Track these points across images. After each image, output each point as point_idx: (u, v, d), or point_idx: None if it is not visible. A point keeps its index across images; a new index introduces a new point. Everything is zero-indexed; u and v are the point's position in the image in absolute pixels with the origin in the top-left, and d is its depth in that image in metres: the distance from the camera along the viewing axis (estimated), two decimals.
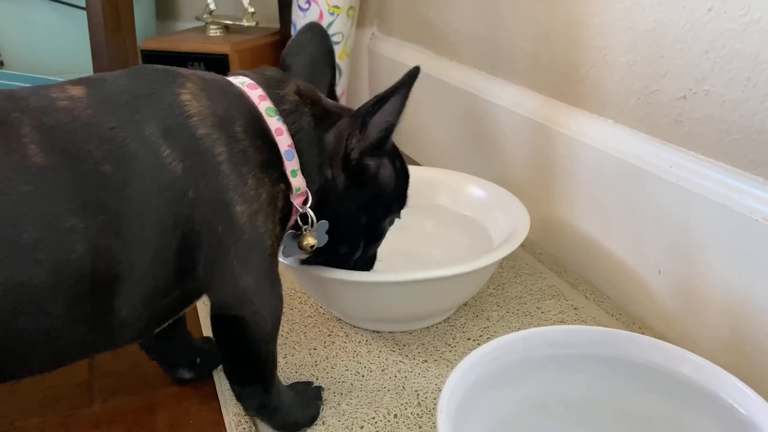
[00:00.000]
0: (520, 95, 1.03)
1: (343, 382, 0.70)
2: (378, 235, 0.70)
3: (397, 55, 1.49)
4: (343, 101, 1.48)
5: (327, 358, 0.74)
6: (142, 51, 1.52)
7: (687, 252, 0.74)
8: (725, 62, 0.68)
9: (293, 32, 1.48)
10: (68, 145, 0.47)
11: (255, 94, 0.58)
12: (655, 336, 0.61)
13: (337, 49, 1.43)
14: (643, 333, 0.61)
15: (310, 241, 0.62)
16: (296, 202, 0.59)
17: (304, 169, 0.59)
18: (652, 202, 0.78)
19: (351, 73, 1.55)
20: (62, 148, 0.47)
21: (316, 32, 0.68)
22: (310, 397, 0.66)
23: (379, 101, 0.58)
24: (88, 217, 0.47)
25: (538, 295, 0.87)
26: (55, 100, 0.49)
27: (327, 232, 0.64)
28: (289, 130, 0.58)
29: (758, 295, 0.66)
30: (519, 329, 0.60)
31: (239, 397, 0.62)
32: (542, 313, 0.83)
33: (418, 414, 0.66)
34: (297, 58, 0.67)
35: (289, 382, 0.68)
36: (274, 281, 0.59)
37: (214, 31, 1.58)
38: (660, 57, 0.76)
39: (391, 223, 0.71)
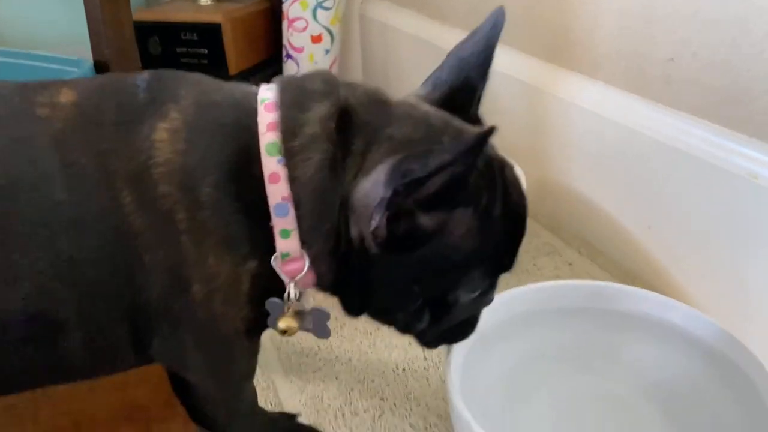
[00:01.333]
0: (514, 58, 1.05)
1: (352, 340, 0.74)
2: (456, 310, 0.50)
3: (389, 20, 1.50)
4: (334, 70, 1.49)
5: (336, 318, 0.78)
6: (134, 22, 1.52)
7: (675, 208, 0.78)
8: (712, 25, 0.70)
9: None
10: (28, 164, 0.43)
11: (266, 120, 0.45)
12: (646, 288, 0.64)
13: (329, 15, 1.43)
14: (635, 286, 0.65)
15: (281, 324, 0.48)
16: (285, 269, 0.46)
17: (304, 230, 0.45)
18: (641, 161, 0.81)
19: (342, 39, 1.56)
20: (19, 167, 0.42)
21: (491, 21, 0.52)
22: None
23: (433, 171, 0.40)
24: (32, 255, 0.42)
25: (533, 253, 0.91)
26: (35, 106, 0.44)
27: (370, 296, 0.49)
28: (290, 175, 0.44)
29: (742, 247, 0.70)
30: (517, 286, 0.64)
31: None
32: (538, 269, 0.87)
33: (424, 368, 0.70)
34: (457, 53, 0.52)
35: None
36: (238, 361, 0.53)
37: (205, 0, 1.58)
38: (650, 21, 0.78)
39: (480, 300, 0.51)
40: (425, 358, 0.71)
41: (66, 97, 0.45)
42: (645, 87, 0.82)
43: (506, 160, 0.49)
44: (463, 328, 0.53)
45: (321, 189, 0.44)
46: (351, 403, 0.67)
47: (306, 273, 0.46)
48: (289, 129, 0.44)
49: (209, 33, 1.46)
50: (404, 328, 0.51)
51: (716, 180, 0.72)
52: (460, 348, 0.56)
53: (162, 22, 1.50)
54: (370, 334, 0.75)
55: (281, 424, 0.64)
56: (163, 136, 0.44)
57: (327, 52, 1.46)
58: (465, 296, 0.49)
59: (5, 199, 0.42)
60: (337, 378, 0.69)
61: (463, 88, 0.50)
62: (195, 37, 1.48)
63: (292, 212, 0.44)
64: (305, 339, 0.75)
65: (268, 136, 0.44)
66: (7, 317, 0.43)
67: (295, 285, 0.46)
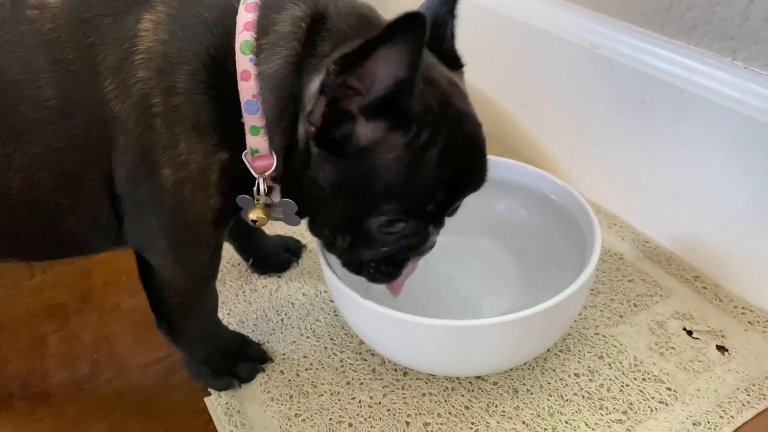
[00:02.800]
0: None
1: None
2: (370, 240, 0.51)
3: None
4: None
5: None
6: None
7: (541, 85, 0.85)
8: None
9: None
10: (16, 66, 0.45)
11: (243, 20, 0.46)
12: (523, 160, 0.71)
13: None
14: (514, 159, 0.71)
15: (252, 215, 0.51)
16: (255, 165, 0.48)
17: (271, 128, 0.47)
18: (512, 43, 0.87)
19: None
20: (9, 69, 0.45)
21: None
22: (232, 364, 0.62)
23: (366, 47, 0.40)
24: (21, 147, 0.46)
25: None
26: (24, 8, 0.46)
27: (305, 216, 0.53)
28: (260, 72, 0.46)
29: (603, 117, 0.78)
30: None
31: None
32: None
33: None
34: None
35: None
36: (200, 249, 0.54)
37: None
38: None
39: (399, 239, 0.51)
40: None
41: None
42: None
43: (473, 112, 0.50)
44: (381, 268, 0.54)
45: (281, 85, 0.46)
46: (251, 282, 0.74)
47: (274, 170, 0.48)
48: (262, 28, 0.46)
49: None
50: (328, 245, 0.54)
51: (567, 54, 0.78)
52: None
53: None
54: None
55: (231, 337, 0.65)
56: (148, 26, 0.45)
57: None
58: (376, 227, 0.49)
59: None
60: (239, 263, 0.76)
61: (434, 26, 0.50)
62: None
63: (260, 110, 0.46)
64: None
65: (243, 35, 0.46)
66: (7, 201, 0.48)
67: (264, 180, 0.49)
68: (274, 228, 0.80)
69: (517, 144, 0.93)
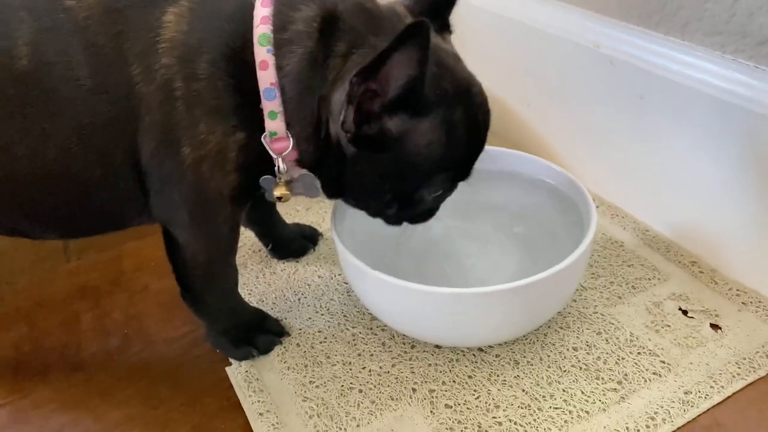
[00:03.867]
0: None
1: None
2: (415, 203, 0.58)
3: None
4: None
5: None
6: None
7: (546, 84, 0.89)
8: None
9: None
10: (53, 49, 0.50)
11: (260, 14, 0.51)
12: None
13: None
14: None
15: (276, 192, 0.57)
16: (274, 147, 0.54)
17: (288, 114, 0.52)
18: (518, 45, 0.92)
19: None
20: (47, 52, 0.50)
21: None
22: (251, 336, 0.66)
23: (381, 57, 0.46)
24: (57, 123, 0.51)
25: None
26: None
27: (346, 191, 0.58)
28: (278, 63, 0.51)
29: (605, 112, 0.82)
30: None
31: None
32: None
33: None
34: None
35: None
36: (219, 224, 0.58)
37: None
38: None
39: (441, 197, 0.60)
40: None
41: None
42: None
43: (474, 80, 0.56)
44: (424, 214, 0.61)
45: (300, 80, 0.51)
46: (270, 266, 0.79)
47: (290, 151, 0.54)
48: (279, 24, 0.51)
49: None
50: (375, 214, 0.60)
51: (570, 54, 0.82)
52: (342, 208, 0.67)
53: None
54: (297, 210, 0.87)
55: (250, 312, 0.69)
56: (171, 18, 0.50)
57: None
58: (428, 195, 0.57)
59: (38, 81, 0.50)
60: (260, 250, 0.81)
61: None
62: None
63: (278, 96, 0.51)
64: None
65: (261, 28, 0.51)
66: (44, 177, 0.53)
67: (283, 160, 0.54)
68: (293, 217, 0.85)
69: (522, 140, 0.97)
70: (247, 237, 0.81)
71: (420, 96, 0.49)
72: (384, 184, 0.55)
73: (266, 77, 0.51)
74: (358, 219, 0.69)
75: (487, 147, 0.76)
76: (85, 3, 0.51)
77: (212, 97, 0.51)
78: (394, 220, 0.61)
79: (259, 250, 0.82)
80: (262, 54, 0.51)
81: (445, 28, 0.58)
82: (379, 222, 0.67)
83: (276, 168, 0.55)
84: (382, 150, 0.52)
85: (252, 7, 0.52)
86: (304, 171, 0.57)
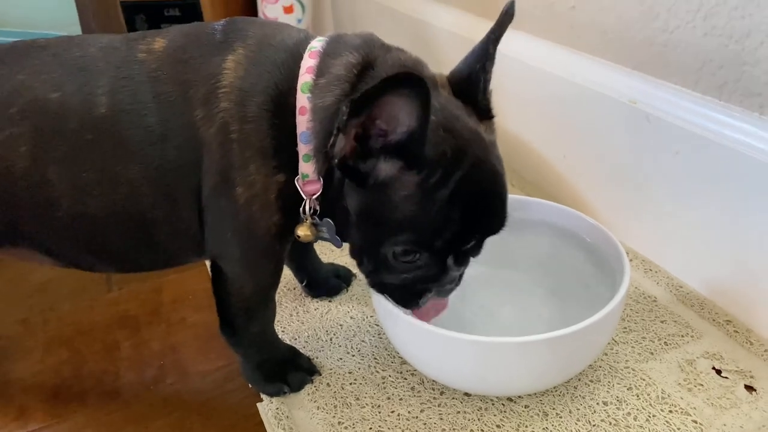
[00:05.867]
0: (453, 15, 1.17)
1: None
2: (388, 266, 0.56)
3: None
4: None
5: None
6: (121, 2, 1.64)
7: (583, 137, 0.90)
8: None
9: None
10: (128, 98, 0.54)
11: (306, 65, 0.54)
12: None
13: None
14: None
15: (299, 232, 0.58)
16: (306, 189, 0.56)
17: (317, 153, 0.54)
18: (555, 98, 0.94)
19: (314, 9, 1.67)
20: (123, 101, 0.54)
21: (500, 16, 0.56)
22: (284, 372, 0.67)
23: (368, 93, 0.46)
24: (129, 166, 0.54)
25: None
26: (137, 52, 0.56)
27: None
28: (313, 107, 0.53)
29: (640, 168, 0.83)
30: None
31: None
32: None
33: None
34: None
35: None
36: (267, 260, 0.61)
37: None
38: None
39: (418, 273, 0.56)
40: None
41: (159, 44, 0.56)
42: (556, 33, 0.94)
43: (493, 166, 0.54)
44: (404, 294, 0.59)
45: (328, 117, 0.53)
46: (304, 305, 0.81)
47: (321, 194, 0.56)
48: (320, 71, 0.54)
49: (190, 9, 1.58)
50: (358, 265, 0.60)
51: (614, 110, 0.84)
52: None
53: (146, 0, 1.62)
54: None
55: (284, 349, 0.70)
56: (230, 65, 0.54)
57: (299, 21, 1.58)
58: (391, 254, 0.55)
59: (113, 125, 0.54)
60: (295, 288, 0.83)
61: (468, 80, 0.56)
62: (177, 13, 1.60)
63: (312, 140, 0.54)
64: None
65: (304, 77, 0.54)
66: (113, 215, 0.56)
67: (310, 201, 0.57)
68: (328, 256, 0.87)
69: (558, 192, 0.98)
70: (284, 275, 0.83)
71: (419, 149, 0.50)
72: (359, 226, 0.55)
73: (303, 121, 0.54)
74: None
75: (520, 196, 0.78)
76: (154, 56, 0.55)
77: (259, 138, 0.54)
78: (371, 282, 0.60)
79: (294, 288, 0.83)
80: (303, 100, 0.54)
81: (486, 115, 0.57)
82: None
83: (301, 208, 0.57)
84: (363, 185, 0.53)
85: (300, 57, 0.55)
86: (327, 219, 0.58)
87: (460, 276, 0.61)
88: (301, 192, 0.56)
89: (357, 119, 0.48)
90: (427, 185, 0.51)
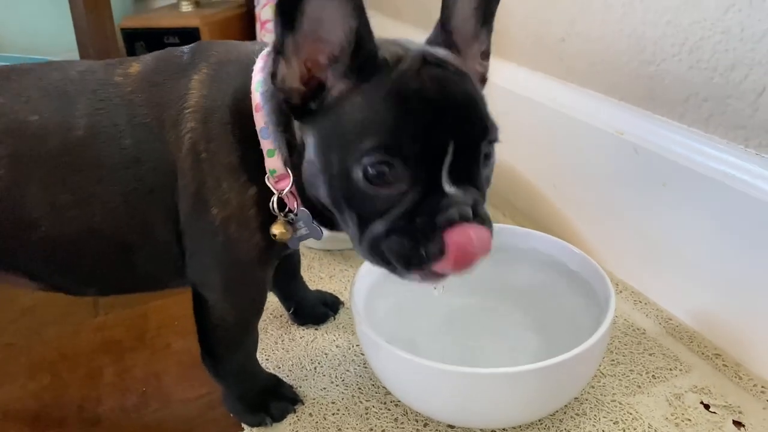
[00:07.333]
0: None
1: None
2: (367, 200, 0.48)
3: None
4: None
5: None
6: (122, 29, 1.66)
7: (572, 167, 0.91)
8: (587, 7, 0.83)
9: (257, 3, 1.62)
10: (104, 121, 0.54)
11: (257, 67, 0.54)
12: (552, 234, 0.76)
13: None
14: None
15: (274, 230, 0.56)
16: (277, 186, 0.54)
17: (274, 135, 0.53)
18: (545, 129, 0.94)
19: None
20: (99, 123, 0.54)
21: None
22: (266, 402, 0.66)
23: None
24: (105, 188, 0.54)
25: None
26: (114, 75, 0.56)
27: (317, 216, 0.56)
28: (262, 94, 0.53)
29: (618, 195, 0.83)
30: None
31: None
32: None
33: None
34: None
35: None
36: (249, 287, 0.61)
37: (186, 7, 1.72)
38: (546, 4, 0.91)
39: (392, 195, 0.48)
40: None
41: (134, 68, 0.57)
42: (544, 64, 0.95)
43: (456, 66, 0.51)
44: (403, 245, 0.47)
45: (273, 95, 0.52)
46: (290, 332, 0.80)
47: (292, 186, 0.54)
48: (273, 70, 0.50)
49: (189, 36, 1.60)
50: (351, 237, 0.52)
51: (599, 141, 0.84)
52: (363, 279, 0.69)
53: (146, 28, 1.64)
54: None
55: (267, 378, 0.69)
56: (195, 85, 0.55)
57: None
58: (362, 178, 0.47)
59: (90, 147, 0.54)
60: (281, 315, 0.83)
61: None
62: (177, 40, 1.62)
63: (271, 134, 0.52)
64: None
65: (257, 77, 0.54)
66: (92, 237, 0.55)
67: (282, 195, 0.54)
68: (316, 284, 0.87)
69: (549, 222, 0.98)
70: (269, 302, 0.82)
71: (369, 44, 0.47)
72: (325, 172, 0.50)
73: (260, 118, 0.53)
74: (379, 290, 0.71)
75: (508, 225, 0.78)
76: (130, 79, 0.56)
77: (225, 154, 0.54)
78: (371, 244, 0.50)
79: (281, 315, 0.83)
80: (257, 98, 0.53)
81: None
82: (400, 294, 0.67)
83: (272, 203, 0.55)
84: (313, 112, 0.49)
85: (253, 63, 0.55)
86: (302, 209, 0.56)
87: (477, 204, 0.49)
88: (272, 189, 0.54)
89: (291, 34, 0.46)
90: (379, 86, 0.47)
